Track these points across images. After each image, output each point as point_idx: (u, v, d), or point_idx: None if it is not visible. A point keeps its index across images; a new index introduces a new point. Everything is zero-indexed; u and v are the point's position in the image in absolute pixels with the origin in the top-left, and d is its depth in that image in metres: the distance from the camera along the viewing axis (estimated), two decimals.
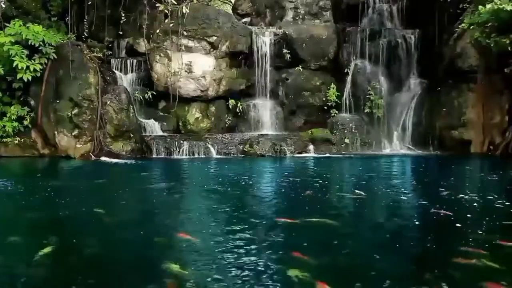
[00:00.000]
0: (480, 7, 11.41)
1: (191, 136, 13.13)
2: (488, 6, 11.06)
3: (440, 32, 14.13)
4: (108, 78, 13.26)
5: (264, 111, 14.30)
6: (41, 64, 11.89)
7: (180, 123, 13.98)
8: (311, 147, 13.22)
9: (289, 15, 15.36)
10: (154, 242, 4.53)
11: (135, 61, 14.31)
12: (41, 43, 11.82)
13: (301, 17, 15.24)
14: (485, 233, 4.74)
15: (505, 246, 4.29)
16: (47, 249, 4.14)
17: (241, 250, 4.17)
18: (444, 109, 13.57)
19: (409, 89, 14.58)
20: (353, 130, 13.78)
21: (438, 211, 5.61)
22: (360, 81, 14.48)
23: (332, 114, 14.31)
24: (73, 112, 11.84)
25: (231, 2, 21.26)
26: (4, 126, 11.92)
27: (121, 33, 14.82)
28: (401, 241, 4.63)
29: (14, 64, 11.51)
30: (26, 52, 11.69)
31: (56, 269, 3.88)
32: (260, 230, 4.96)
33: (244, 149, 12.62)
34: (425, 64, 14.39)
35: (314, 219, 5.31)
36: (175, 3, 13.68)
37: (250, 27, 15.06)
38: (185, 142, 12.38)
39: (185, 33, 13.55)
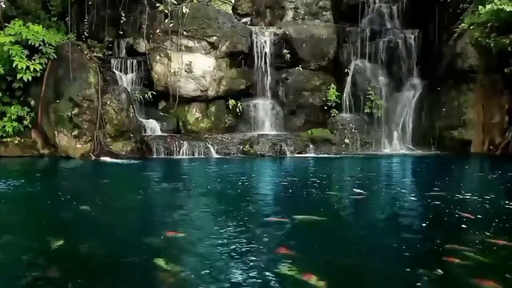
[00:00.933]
0: (480, 7, 11.43)
1: (191, 136, 13.13)
2: (488, 6, 11.07)
3: (440, 32, 14.15)
4: (108, 78, 13.24)
5: (264, 111, 14.31)
6: (41, 64, 11.90)
7: (180, 123, 13.99)
8: (311, 147, 13.23)
9: (289, 15, 15.39)
10: (144, 241, 4.53)
11: (135, 61, 14.28)
12: (41, 43, 11.84)
13: (301, 17, 15.26)
14: (486, 233, 4.74)
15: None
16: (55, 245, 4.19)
17: (233, 246, 4.21)
18: (444, 109, 13.57)
19: (409, 89, 14.59)
20: (353, 130, 13.79)
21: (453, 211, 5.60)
22: (360, 81, 14.49)
23: (332, 114, 14.31)
24: (73, 112, 11.83)
25: (231, 2, 21.29)
26: (4, 126, 11.93)
27: (121, 33, 14.81)
28: (401, 240, 4.62)
29: (14, 64, 11.52)
30: (26, 52, 11.70)
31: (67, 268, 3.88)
32: (260, 230, 4.96)
33: (244, 149, 12.62)
34: (425, 64, 14.41)
35: (314, 217, 5.33)
36: (175, 3, 13.70)
37: (250, 27, 15.07)
38: (185, 142, 12.37)
39: (185, 33, 13.57)
